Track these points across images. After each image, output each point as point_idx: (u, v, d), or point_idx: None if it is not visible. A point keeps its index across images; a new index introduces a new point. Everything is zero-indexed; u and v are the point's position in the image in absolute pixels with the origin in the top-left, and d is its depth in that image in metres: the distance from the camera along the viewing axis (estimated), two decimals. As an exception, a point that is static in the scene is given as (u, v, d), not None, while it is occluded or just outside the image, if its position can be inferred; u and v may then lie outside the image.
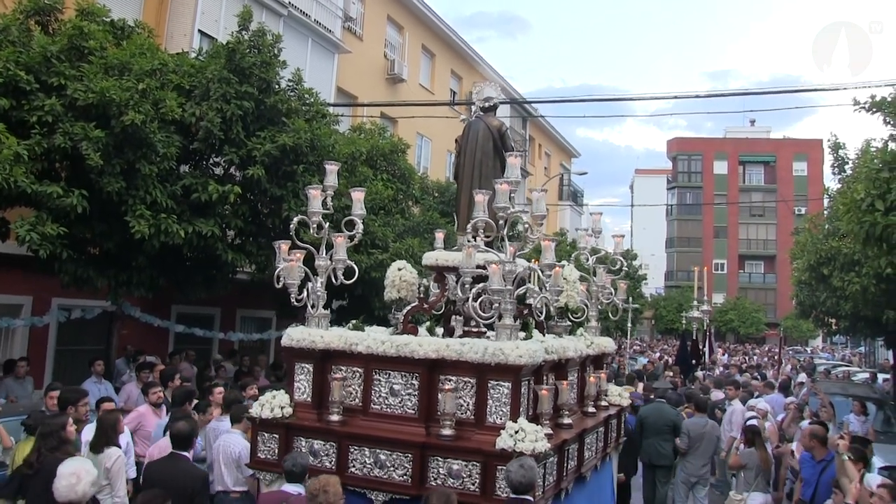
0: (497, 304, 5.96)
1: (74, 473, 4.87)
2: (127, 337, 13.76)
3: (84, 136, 9.18)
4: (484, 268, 6.07)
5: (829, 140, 16.43)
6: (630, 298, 10.26)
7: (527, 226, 6.54)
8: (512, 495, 5.21)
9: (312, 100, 12.93)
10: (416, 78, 27.39)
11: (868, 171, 9.35)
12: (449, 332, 6.91)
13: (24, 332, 13.30)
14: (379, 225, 13.27)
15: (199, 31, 16.27)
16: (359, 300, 13.37)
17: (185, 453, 6.41)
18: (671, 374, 18.89)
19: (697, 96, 15.45)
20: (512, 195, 6.28)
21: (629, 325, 27.96)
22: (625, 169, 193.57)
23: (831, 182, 17.51)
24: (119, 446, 6.93)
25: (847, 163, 15.63)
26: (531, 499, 5.20)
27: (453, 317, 7.13)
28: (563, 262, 6.76)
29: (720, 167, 72.13)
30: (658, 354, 34.19)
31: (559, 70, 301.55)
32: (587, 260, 8.31)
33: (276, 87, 11.94)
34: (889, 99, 9.64)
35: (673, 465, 10.81)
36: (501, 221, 6.28)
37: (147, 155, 9.92)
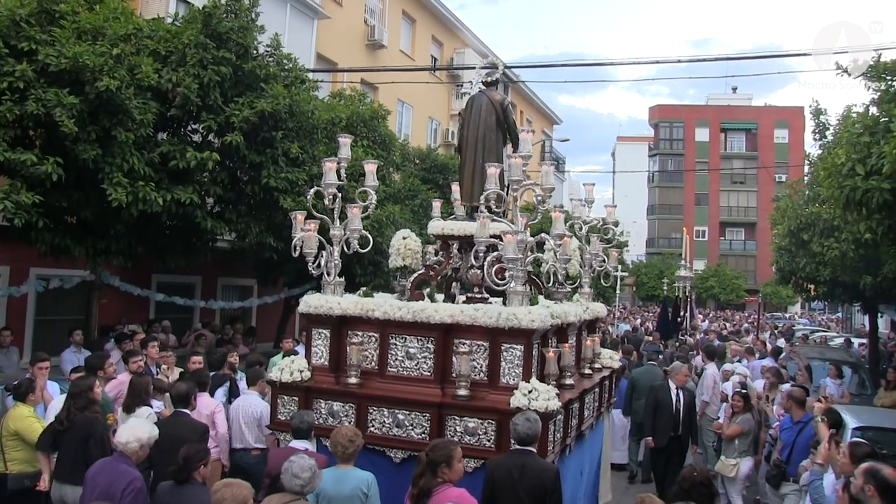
0: (510, 272, 6.30)
1: (127, 426, 5.67)
2: (107, 306, 13.64)
3: (57, 102, 8.97)
4: (496, 237, 6.45)
5: (810, 106, 16.43)
6: (619, 267, 10.47)
7: (539, 197, 6.82)
8: (517, 446, 5.56)
9: (291, 65, 12.75)
10: (397, 44, 27.08)
11: (849, 135, 9.32)
12: (450, 299, 7.18)
13: (3, 302, 13.15)
14: (359, 192, 13.18)
15: (175, -5, 15.96)
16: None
17: (186, 410, 7.03)
18: (651, 339, 19.11)
19: (679, 61, 15.38)
20: (524, 168, 6.61)
21: (618, 292, 28.04)
22: (607, 136, 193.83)
23: (812, 148, 17.55)
24: (150, 406, 7.59)
25: (828, 129, 15.63)
26: (534, 450, 5.58)
27: (453, 284, 7.48)
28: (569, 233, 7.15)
29: (702, 134, 72.11)
30: (639, 321, 34.45)
31: (541, 37, 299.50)
32: (580, 229, 8.58)
33: (254, 52, 11.75)
34: (872, 63, 9.60)
35: None
36: (514, 193, 6.66)
37: (123, 122, 9.74)
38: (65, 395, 8.00)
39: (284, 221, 11.76)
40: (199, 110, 10.89)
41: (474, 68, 8.45)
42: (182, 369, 10.07)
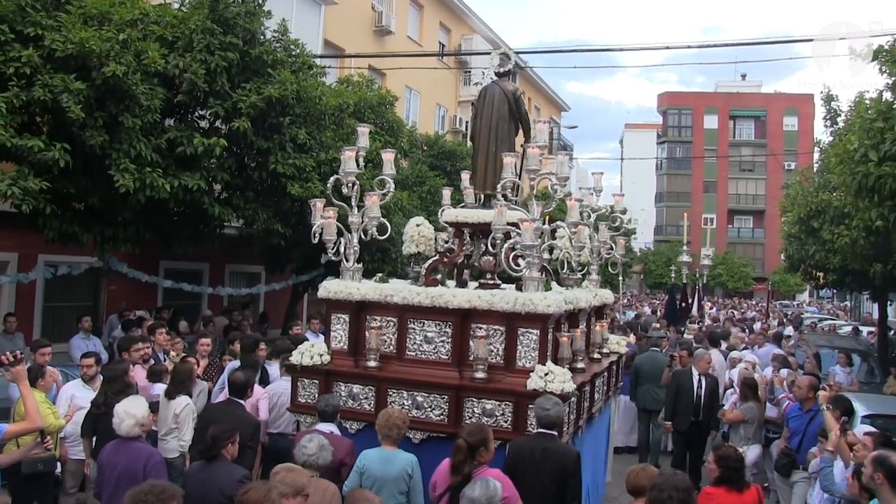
0: (527, 259, 6.45)
1: (118, 417, 5.52)
2: (115, 293, 13.68)
3: (64, 88, 8.93)
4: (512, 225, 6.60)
5: (821, 92, 16.28)
6: (624, 252, 10.61)
7: (556, 187, 6.97)
8: (540, 430, 5.72)
9: (298, 51, 12.70)
10: (405, 30, 26.96)
11: (862, 121, 9.22)
12: (461, 285, 7.35)
13: (11, 288, 13.19)
14: (367, 178, 13.17)
15: (182, -20, 15.87)
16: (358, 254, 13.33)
17: (241, 401, 6.98)
18: (659, 326, 19.06)
19: (688, 47, 15.30)
20: (541, 158, 6.74)
21: (623, 279, 27.96)
22: (616, 124, 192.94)
23: (823, 135, 17.40)
24: (190, 395, 7.61)
25: (839, 115, 15.49)
26: (556, 434, 5.75)
27: (464, 270, 7.68)
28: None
29: (710, 122, 71.77)
30: (647, 308, 34.41)
31: (550, 24, 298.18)
32: (588, 217, 8.66)
33: (261, 37, 11.70)
34: (886, 48, 9.49)
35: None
36: (530, 182, 6.74)
37: (130, 108, 9.70)
38: (74, 382, 8.06)
39: (292, 208, 11.75)
40: (206, 96, 10.85)
41: (482, 55, 8.58)
42: (186, 354, 10.09)
